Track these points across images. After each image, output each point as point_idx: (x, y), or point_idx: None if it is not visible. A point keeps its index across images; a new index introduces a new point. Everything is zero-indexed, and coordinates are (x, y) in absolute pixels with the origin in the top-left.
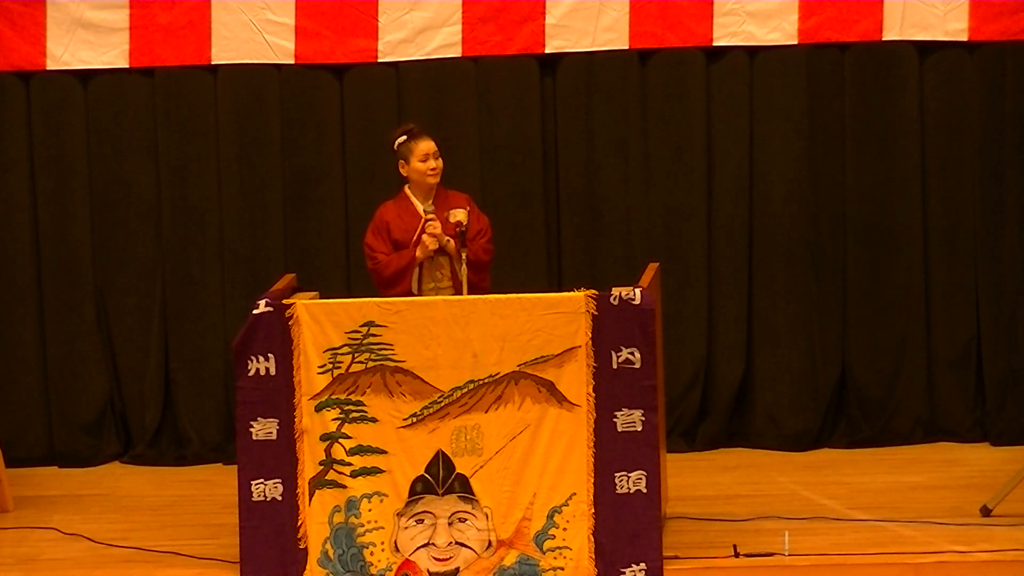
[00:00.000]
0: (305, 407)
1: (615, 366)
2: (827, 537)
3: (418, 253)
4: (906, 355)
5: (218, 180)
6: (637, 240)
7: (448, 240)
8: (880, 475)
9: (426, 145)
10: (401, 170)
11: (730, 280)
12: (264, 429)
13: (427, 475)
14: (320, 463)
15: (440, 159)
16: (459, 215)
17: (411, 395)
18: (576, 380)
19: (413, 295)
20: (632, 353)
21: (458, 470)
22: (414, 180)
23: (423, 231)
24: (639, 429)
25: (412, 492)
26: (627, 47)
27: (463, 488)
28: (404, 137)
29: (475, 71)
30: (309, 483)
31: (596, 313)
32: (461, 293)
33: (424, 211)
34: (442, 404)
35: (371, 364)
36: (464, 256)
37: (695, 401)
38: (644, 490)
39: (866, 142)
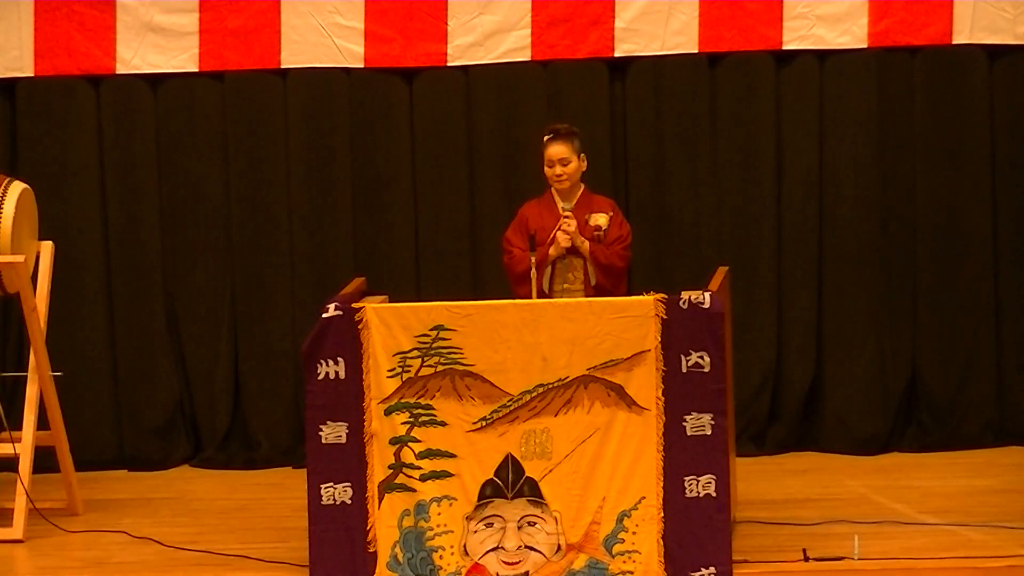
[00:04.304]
0: (374, 411)
1: (684, 370)
2: (897, 541)
3: (551, 251)
4: (976, 359)
5: (287, 184)
6: (706, 244)
7: (583, 241)
8: (950, 479)
9: (552, 151)
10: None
11: (800, 284)
12: (333, 433)
13: (496, 479)
14: (389, 467)
15: (569, 164)
16: (600, 219)
17: (480, 399)
18: (645, 384)
19: (544, 294)
20: (701, 357)
21: (527, 474)
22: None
23: (558, 228)
24: (708, 433)
25: (481, 496)
26: (696, 51)
27: (532, 492)
28: (545, 138)
29: (544, 75)
30: (378, 487)
31: (665, 317)
32: (591, 296)
33: (563, 209)
34: (511, 408)
35: (440, 368)
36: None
37: (764, 405)
38: (713, 494)
39: (936, 145)
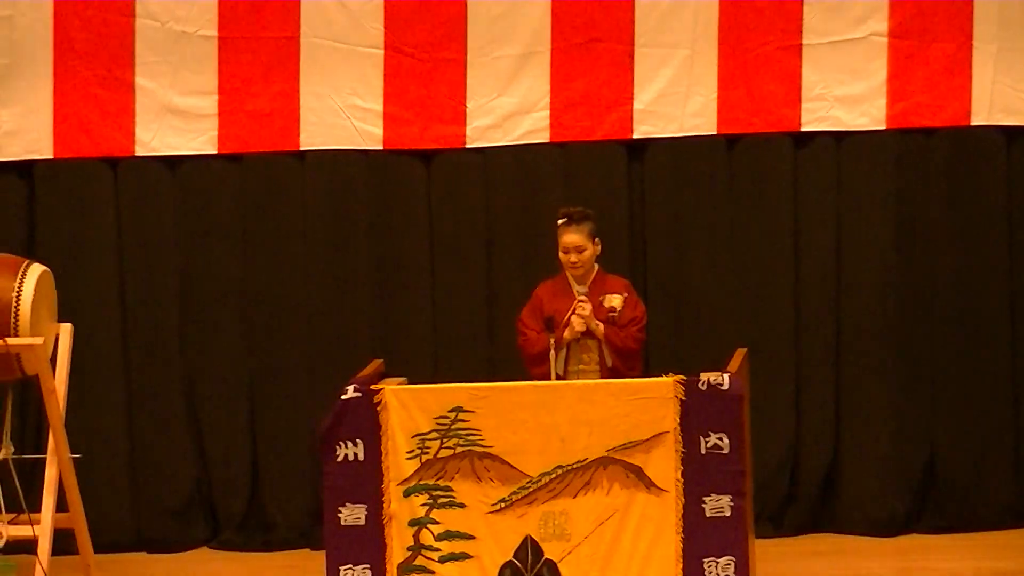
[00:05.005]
0: (393, 492)
1: (703, 451)
2: None
3: (565, 334)
4: (994, 440)
5: (306, 265)
6: (725, 325)
7: (598, 324)
8: (969, 561)
9: (568, 239)
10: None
11: (818, 365)
12: (352, 515)
13: (515, 560)
14: (408, 548)
15: (584, 252)
16: (614, 300)
17: (499, 480)
18: (664, 465)
19: (560, 376)
20: (720, 438)
21: (546, 556)
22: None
23: (573, 312)
24: (727, 515)
25: None
26: (715, 132)
27: (551, 574)
28: (560, 221)
29: (562, 157)
30: (398, 568)
31: (684, 398)
32: (606, 378)
33: (577, 292)
34: (530, 489)
35: (459, 449)
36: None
37: (783, 486)
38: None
39: (954, 226)
